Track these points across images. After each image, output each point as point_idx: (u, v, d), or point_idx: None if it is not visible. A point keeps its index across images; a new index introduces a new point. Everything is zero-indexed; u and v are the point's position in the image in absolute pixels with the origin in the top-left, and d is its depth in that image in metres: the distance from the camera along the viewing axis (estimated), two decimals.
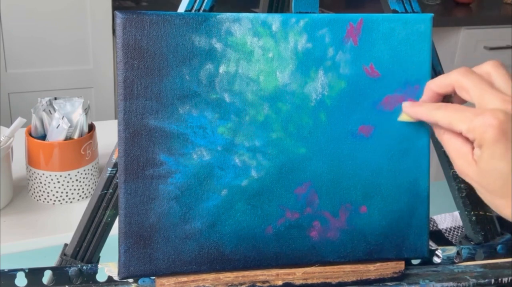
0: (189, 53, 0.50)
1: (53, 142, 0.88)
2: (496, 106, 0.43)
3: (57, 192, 0.90)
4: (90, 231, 0.55)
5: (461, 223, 0.89)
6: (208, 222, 0.52)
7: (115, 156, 0.53)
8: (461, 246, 0.62)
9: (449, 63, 2.14)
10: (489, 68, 0.47)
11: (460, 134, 0.45)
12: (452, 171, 0.60)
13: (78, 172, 0.91)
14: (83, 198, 0.93)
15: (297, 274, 0.55)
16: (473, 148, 0.45)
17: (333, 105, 0.53)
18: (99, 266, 0.55)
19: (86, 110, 0.91)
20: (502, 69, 0.46)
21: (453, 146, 0.46)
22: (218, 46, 0.50)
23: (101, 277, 0.55)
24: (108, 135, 0.90)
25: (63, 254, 0.56)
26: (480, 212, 0.61)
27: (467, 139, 0.45)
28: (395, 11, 0.55)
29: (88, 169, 0.92)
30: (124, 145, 0.50)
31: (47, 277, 0.54)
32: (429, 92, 0.50)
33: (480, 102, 0.45)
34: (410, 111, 0.51)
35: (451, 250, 0.62)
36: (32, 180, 0.91)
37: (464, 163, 0.45)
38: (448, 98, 0.50)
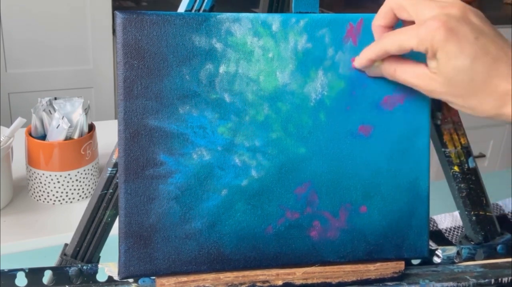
0: (189, 53, 0.50)
1: (53, 142, 0.88)
2: (435, 13, 0.44)
3: (57, 192, 0.90)
4: (90, 231, 0.55)
5: (461, 223, 0.89)
6: (208, 222, 0.52)
7: (115, 156, 0.53)
8: (461, 246, 0.62)
9: None
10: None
11: (408, 60, 0.46)
12: (452, 171, 0.60)
13: (78, 172, 0.91)
14: (83, 198, 0.93)
15: (297, 274, 0.55)
16: (426, 66, 0.45)
17: (332, 105, 0.53)
18: (99, 266, 0.55)
19: (86, 110, 0.91)
20: None
21: (409, 74, 0.46)
22: (218, 46, 0.50)
23: (101, 277, 0.55)
24: (108, 135, 0.90)
25: (63, 254, 0.56)
26: (480, 212, 0.61)
27: (417, 62, 0.46)
28: None
29: (88, 169, 0.92)
30: (124, 145, 0.50)
31: (47, 277, 0.54)
32: (376, 29, 0.50)
33: (418, 16, 0.45)
34: (361, 60, 0.50)
35: (451, 250, 0.62)
36: (32, 180, 0.91)
37: (427, 81, 0.45)
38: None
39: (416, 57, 0.47)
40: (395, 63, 0.48)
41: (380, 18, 0.49)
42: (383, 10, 0.49)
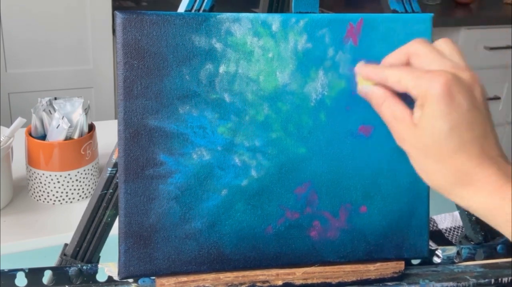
0: (189, 53, 0.50)
1: (53, 142, 0.88)
2: (445, 69, 0.43)
3: (57, 192, 0.90)
4: (90, 231, 0.55)
5: (461, 223, 0.89)
6: (208, 222, 0.52)
7: (115, 156, 0.53)
8: (461, 246, 0.62)
9: None
10: (442, 43, 0.46)
11: (400, 101, 0.45)
12: None
13: (78, 172, 0.91)
14: (83, 198, 0.93)
15: (297, 274, 0.55)
16: (412, 113, 0.44)
17: (333, 105, 0.53)
18: (99, 266, 0.55)
19: (86, 110, 0.91)
20: (454, 44, 0.46)
21: (392, 112, 0.45)
22: (218, 46, 0.50)
23: (101, 277, 0.55)
24: (108, 135, 0.89)
25: (63, 254, 0.56)
26: None
27: (406, 107, 0.45)
28: (395, 11, 0.55)
29: (88, 169, 0.92)
30: (124, 145, 0.50)
31: (47, 277, 0.54)
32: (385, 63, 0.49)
33: (429, 65, 0.44)
34: (362, 71, 0.49)
35: (451, 250, 0.62)
36: (32, 180, 0.91)
37: (403, 127, 0.44)
38: None
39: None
40: (386, 96, 0.46)
41: (392, 58, 0.48)
42: (399, 52, 0.47)
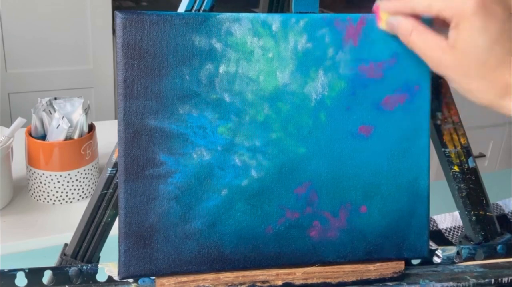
0: (189, 53, 0.50)
1: (53, 142, 0.88)
2: None
3: (57, 192, 0.90)
4: (90, 231, 0.55)
5: (461, 223, 0.89)
6: (208, 222, 0.52)
7: (115, 156, 0.53)
8: (461, 246, 0.62)
9: None
10: None
11: (428, 28, 0.44)
12: (452, 171, 0.60)
13: (78, 172, 0.91)
14: (83, 198, 0.93)
15: (297, 274, 0.55)
16: (446, 36, 0.43)
17: (333, 105, 0.53)
18: (99, 266, 0.55)
19: (86, 110, 0.91)
20: None
21: (424, 41, 0.44)
22: (218, 46, 0.50)
23: (101, 277, 0.55)
24: (108, 135, 0.90)
25: (63, 254, 0.56)
26: (480, 212, 0.61)
27: (435, 32, 0.44)
28: None
29: (88, 169, 0.92)
30: (124, 145, 0.50)
31: (47, 277, 0.54)
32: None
33: None
34: (388, 4, 0.47)
35: (451, 250, 0.62)
36: (32, 180, 0.91)
37: (439, 53, 0.44)
38: None
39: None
40: (414, 25, 0.45)
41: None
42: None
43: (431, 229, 0.89)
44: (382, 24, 0.49)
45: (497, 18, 0.41)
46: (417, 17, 0.46)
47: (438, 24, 0.46)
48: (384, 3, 0.47)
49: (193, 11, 0.51)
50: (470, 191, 0.60)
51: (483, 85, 0.43)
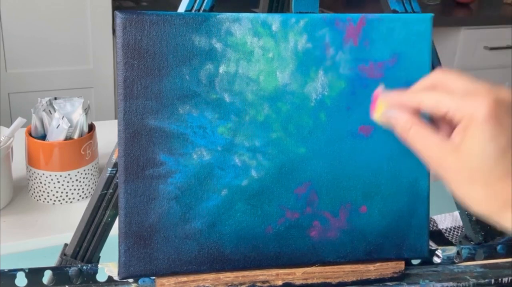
0: (189, 53, 0.50)
1: (53, 142, 0.88)
2: (487, 89, 0.41)
3: (57, 192, 0.90)
4: (90, 231, 0.55)
5: (461, 223, 0.89)
6: (208, 222, 0.52)
7: (115, 156, 0.53)
8: (461, 246, 0.62)
9: (449, 63, 2.14)
10: (439, 76, 0.44)
11: (428, 125, 0.43)
12: None
13: (78, 172, 0.91)
14: (83, 198, 0.93)
15: (297, 274, 0.55)
16: (448, 136, 0.42)
17: (333, 105, 0.53)
18: (99, 266, 0.55)
19: (86, 110, 0.91)
20: (453, 73, 0.44)
21: (423, 140, 0.43)
22: (218, 46, 0.50)
23: (101, 277, 0.55)
24: (108, 135, 0.90)
25: (63, 254, 0.56)
26: None
27: (436, 131, 0.42)
28: (395, 11, 0.55)
29: (88, 169, 0.92)
30: (124, 145, 0.50)
31: (47, 277, 0.54)
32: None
33: (466, 87, 0.42)
34: (390, 96, 0.45)
35: (451, 250, 0.62)
36: (32, 180, 0.91)
37: (440, 154, 0.42)
38: None
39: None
40: (414, 121, 0.43)
41: (417, 87, 0.45)
42: (423, 82, 0.45)
43: (431, 229, 0.89)
44: (377, 115, 0.45)
45: (507, 129, 0.40)
46: (416, 111, 0.44)
47: (436, 120, 0.45)
48: (386, 93, 0.45)
49: (193, 11, 0.51)
50: None
51: (486, 194, 0.41)
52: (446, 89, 0.43)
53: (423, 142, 0.43)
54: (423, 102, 0.43)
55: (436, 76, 0.44)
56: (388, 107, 0.44)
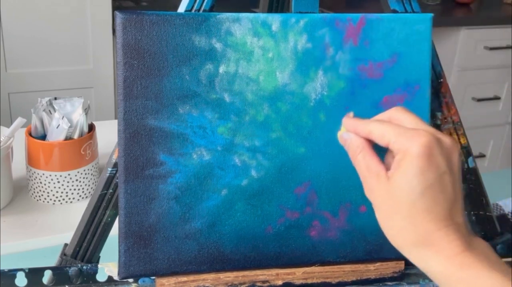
0: (189, 53, 0.50)
1: (53, 142, 0.88)
2: (430, 131, 0.43)
3: (57, 192, 0.90)
4: (90, 231, 0.55)
5: None
6: (208, 222, 0.52)
7: (115, 156, 0.53)
8: None
9: (449, 63, 2.14)
10: (396, 112, 0.46)
11: (375, 154, 0.45)
12: None
13: (78, 172, 0.91)
14: (83, 198, 0.93)
15: (297, 274, 0.55)
16: (387, 169, 0.44)
17: (332, 105, 0.53)
18: (99, 266, 0.55)
19: (86, 110, 0.91)
20: (406, 111, 0.46)
21: (366, 164, 0.45)
22: (218, 46, 0.50)
23: (101, 277, 0.55)
24: (108, 135, 0.90)
25: (63, 254, 0.56)
26: (480, 212, 0.61)
27: (380, 161, 0.45)
28: (395, 11, 0.55)
29: (88, 169, 0.92)
30: (124, 145, 0.50)
31: (47, 277, 0.54)
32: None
33: (413, 124, 0.44)
34: (348, 122, 0.48)
35: None
36: (32, 180, 0.91)
37: (376, 181, 0.44)
38: None
39: None
40: (364, 147, 0.46)
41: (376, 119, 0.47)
42: (381, 116, 0.47)
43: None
44: (338, 135, 0.48)
45: (438, 168, 0.42)
46: (370, 140, 0.46)
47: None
48: (347, 120, 0.48)
49: (193, 11, 0.51)
50: (470, 191, 0.60)
51: (404, 227, 0.43)
52: (397, 124, 0.45)
53: (365, 167, 0.45)
54: (372, 131, 0.45)
55: (394, 112, 0.46)
56: (346, 130, 0.47)
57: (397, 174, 0.43)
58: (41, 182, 0.90)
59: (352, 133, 0.46)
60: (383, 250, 0.56)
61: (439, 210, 0.42)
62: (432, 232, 0.42)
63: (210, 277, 0.53)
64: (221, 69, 0.51)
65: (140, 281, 0.54)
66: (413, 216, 0.42)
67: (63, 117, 0.88)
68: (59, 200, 0.91)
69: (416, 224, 0.43)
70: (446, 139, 0.43)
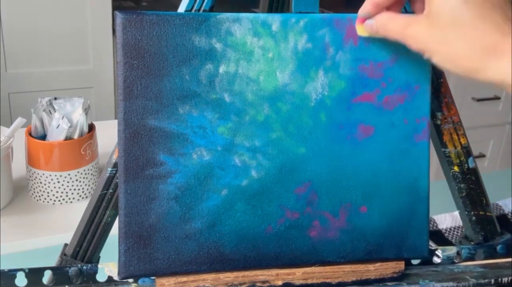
0: (189, 53, 0.50)
1: (53, 142, 0.88)
2: None
3: (57, 192, 0.90)
4: (90, 231, 0.55)
5: (461, 223, 0.89)
6: (208, 222, 0.52)
7: (115, 156, 0.53)
8: (461, 246, 0.62)
9: None
10: None
11: (403, 14, 0.45)
12: (452, 171, 0.60)
13: (78, 172, 0.91)
14: (83, 198, 0.93)
15: (297, 274, 0.55)
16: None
17: (333, 105, 0.53)
18: (99, 266, 0.55)
19: (86, 110, 0.91)
20: None
21: (399, 24, 0.45)
22: (218, 46, 0.50)
23: (101, 277, 0.55)
24: (108, 135, 0.90)
25: (63, 254, 0.56)
26: (480, 212, 0.61)
27: (410, 14, 0.45)
28: None
29: (88, 169, 0.92)
30: (124, 145, 0.50)
31: (47, 277, 0.54)
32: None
33: None
34: (363, 7, 0.49)
35: (451, 250, 0.62)
36: (32, 180, 0.91)
37: (413, 26, 0.44)
38: None
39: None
40: (389, 15, 0.47)
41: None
42: None
43: (431, 229, 0.89)
44: (360, 31, 0.50)
45: None
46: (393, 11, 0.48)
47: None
48: (360, 10, 0.49)
49: (193, 11, 0.51)
50: (470, 191, 0.60)
51: (463, 47, 0.41)
52: None
53: (400, 26, 0.45)
54: None
55: None
56: (364, 14, 0.49)
57: (432, 4, 0.42)
58: (41, 182, 0.90)
59: (371, 14, 0.48)
60: (383, 250, 0.56)
61: (493, 16, 0.40)
62: (496, 42, 0.40)
63: (210, 277, 0.53)
64: (221, 69, 0.51)
65: (140, 281, 0.54)
66: (467, 32, 0.41)
67: (63, 117, 0.88)
68: (59, 200, 0.91)
69: (475, 37, 0.40)
70: None
